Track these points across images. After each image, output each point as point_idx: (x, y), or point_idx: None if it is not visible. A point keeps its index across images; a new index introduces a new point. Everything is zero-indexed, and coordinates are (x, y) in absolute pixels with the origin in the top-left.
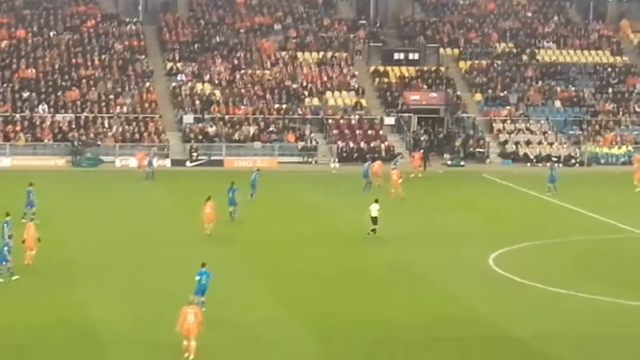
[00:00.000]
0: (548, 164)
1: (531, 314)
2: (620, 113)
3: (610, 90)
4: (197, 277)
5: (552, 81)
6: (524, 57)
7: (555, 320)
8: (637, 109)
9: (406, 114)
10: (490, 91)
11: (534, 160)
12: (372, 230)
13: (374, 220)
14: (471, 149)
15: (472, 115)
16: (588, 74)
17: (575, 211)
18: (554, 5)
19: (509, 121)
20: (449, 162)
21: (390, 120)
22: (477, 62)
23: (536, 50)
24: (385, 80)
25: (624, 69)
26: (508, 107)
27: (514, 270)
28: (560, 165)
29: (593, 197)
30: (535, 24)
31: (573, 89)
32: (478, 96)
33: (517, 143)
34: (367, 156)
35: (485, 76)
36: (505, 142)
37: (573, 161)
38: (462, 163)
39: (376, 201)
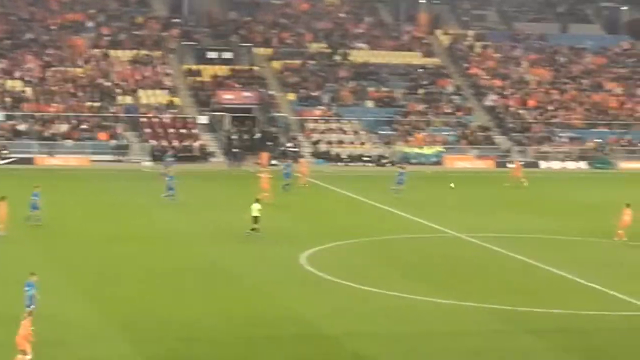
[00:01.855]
0: (397, 167)
1: (342, 312)
2: (431, 114)
3: (421, 91)
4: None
5: (364, 81)
6: (337, 58)
7: (366, 318)
8: (447, 110)
9: (219, 113)
10: (303, 91)
11: (346, 160)
12: (252, 229)
13: (255, 219)
14: (284, 147)
15: (285, 115)
16: (399, 74)
17: (386, 210)
18: (366, 7)
19: (321, 121)
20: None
21: (203, 119)
22: (290, 61)
23: (349, 51)
24: (199, 79)
25: (434, 71)
26: (321, 107)
27: (325, 269)
28: (396, 166)
29: (403, 196)
30: (348, 25)
31: (385, 89)
32: (291, 96)
33: (329, 143)
34: (287, 157)
35: (299, 76)
36: (318, 141)
37: (384, 161)
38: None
39: (257, 201)
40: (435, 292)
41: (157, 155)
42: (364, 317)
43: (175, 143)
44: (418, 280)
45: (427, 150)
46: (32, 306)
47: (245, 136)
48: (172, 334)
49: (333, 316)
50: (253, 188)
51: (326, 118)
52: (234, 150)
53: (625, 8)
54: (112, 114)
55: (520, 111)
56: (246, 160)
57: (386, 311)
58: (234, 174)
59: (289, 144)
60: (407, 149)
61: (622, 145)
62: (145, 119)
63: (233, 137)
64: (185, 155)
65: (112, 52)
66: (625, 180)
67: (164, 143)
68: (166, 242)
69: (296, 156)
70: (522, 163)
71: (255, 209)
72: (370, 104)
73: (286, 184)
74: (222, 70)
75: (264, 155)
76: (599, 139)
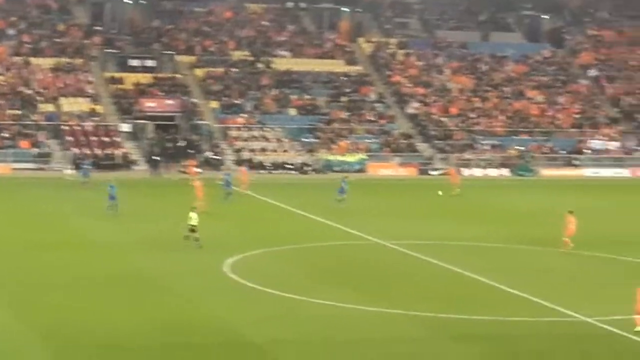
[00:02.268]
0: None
1: (267, 319)
2: (354, 121)
3: (344, 98)
4: None
5: (287, 89)
6: (260, 65)
7: (291, 325)
8: (370, 118)
9: (142, 121)
10: (226, 99)
11: (269, 168)
12: (187, 237)
13: (193, 228)
14: (207, 155)
15: (208, 123)
16: (322, 82)
17: (310, 218)
18: (289, 15)
19: (244, 129)
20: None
21: (126, 127)
22: (213, 69)
23: (271, 59)
24: (121, 86)
25: (357, 78)
26: (244, 115)
27: (249, 277)
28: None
29: (327, 204)
30: (270, 33)
31: (308, 97)
32: (214, 103)
33: (252, 150)
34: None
35: (221, 84)
36: (241, 149)
37: (307, 168)
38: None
39: (193, 209)
40: (361, 299)
41: (78, 164)
42: (289, 324)
43: (98, 151)
44: (344, 287)
45: (350, 158)
46: None
47: (168, 144)
48: (95, 341)
49: (258, 324)
50: (175, 196)
51: (249, 126)
52: (154, 158)
53: (546, 17)
54: (33, 122)
55: (443, 119)
56: (168, 168)
57: (311, 319)
58: (156, 182)
59: (211, 152)
60: (330, 157)
61: (544, 153)
62: (67, 127)
63: (155, 145)
64: (108, 163)
65: (33, 60)
66: (547, 187)
67: (86, 151)
68: (91, 250)
69: (219, 164)
70: (457, 170)
71: (193, 218)
72: (293, 111)
73: (228, 193)
74: (144, 78)
75: (192, 163)
76: (520, 146)
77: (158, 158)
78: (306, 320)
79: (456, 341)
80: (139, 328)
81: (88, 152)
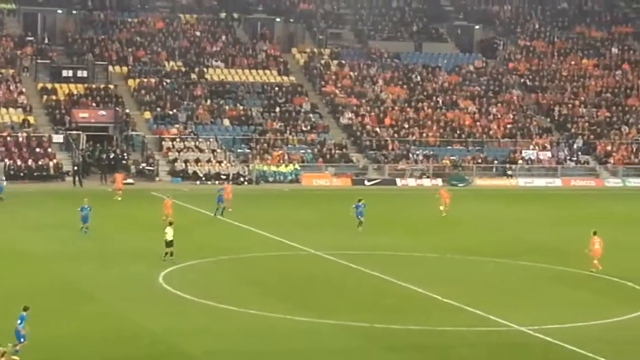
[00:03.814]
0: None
1: (202, 331)
2: (288, 132)
3: (277, 109)
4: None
5: (220, 100)
6: (193, 76)
7: (227, 336)
8: (303, 128)
9: (75, 132)
10: (159, 109)
11: (203, 179)
12: (166, 254)
13: (169, 243)
14: (141, 166)
15: (142, 134)
16: (256, 92)
17: (244, 228)
18: (222, 25)
19: (178, 139)
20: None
21: (58, 138)
22: (146, 80)
23: (205, 69)
24: (54, 97)
25: (291, 89)
26: (177, 126)
27: (185, 288)
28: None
29: (262, 214)
30: (204, 43)
31: (241, 107)
32: (147, 114)
33: (186, 161)
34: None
35: (155, 94)
36: (175, 160)
37: (242, 179)
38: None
39: (170, 224)
40: (293, 310)
41: (12, 175)
42: (225, 335)
43: (30, 162)
44: (276, 298)
45: (284, 169)
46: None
47: (102, 155)
48: (28, 355)
49: (192, 335)
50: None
51: (183, 137)
52: (76, 168)
53: (477, 27)
54: None
55: (376, 129)
56: (102, 179)
57: (245, 330)
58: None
59: (145, 163)
60: (265, 167)
61: (477, 163)
62: None
63: (87, 155)
64: (41, 174)
65: None
66: (481, 197)
67: (19, 162)
68: (22, 263)
69: (153, 175)
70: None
71: (169, 233)
72: (227, 122)
73: (217, 209)
74: (77, 88)
75: (118, 176)
76: (454, 156)
77: (77, 168)
78: (241, 331)
79: (389, 351)
80: (72, 341)
81: (20, 163)
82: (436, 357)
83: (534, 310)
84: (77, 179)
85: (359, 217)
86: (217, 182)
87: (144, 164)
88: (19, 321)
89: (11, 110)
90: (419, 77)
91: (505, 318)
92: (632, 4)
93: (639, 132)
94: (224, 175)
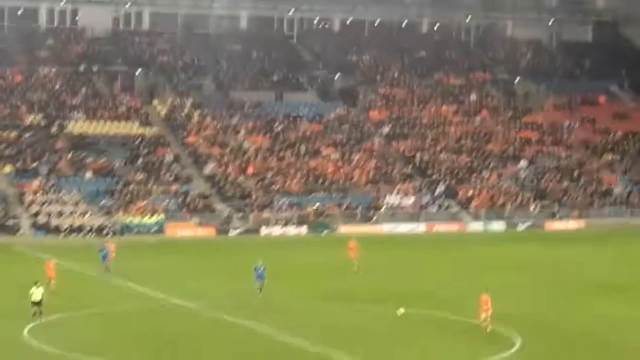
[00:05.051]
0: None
1: None
2: (151, 183)
3: (140, 160)
4: None
5: (83, 152)
6: (54, 129)
7: None
8: (167, 179)
9: None
10: (20, 163)
11: (67, 231)
12: (35, 314)
13: (38, 303)
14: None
15: (2, 188)
16: (119, 144)
17: (107, 281)
18: (81, 78)
19: (40, 193)
20: None
21: None
22: (5, 133)
23: (66, 122)
24: None
25: (153, 140)
26: (39, 179)
27: (50, 342)
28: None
29: (127, 265)
30: (64, 96)
31: (104, 159)
32: (8, 168)
33: (49, 214)
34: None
35: (15, 148)
36: (38, 213)
37: (105, 231)
38: None
39: (36, 284)
40: None
41: None
42: None
43: None
44: (146, 349)
45: (148, 220)
46: None
47: None
48: None
49: None
50: None
51: (45, 190)
52: None
53: (337, 76)
54: None
55: (240, 178)
56: None
57: None
58: None
59: (7, 218)
60: (128, 219)
61: (341, 210)
62: None
63: None
64: None
65: None
66: (345, 243)
67: None
68: None
69: (14, 229)
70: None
71: (37, 293)
72: (89, 174)
73: (105, 268)
74: None
75: None
76: (317, 203)
77: None
78: None
79: None
80: None
81: None
82: None
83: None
84: None
85: (260, 280)
86: (80, 234)
87: (5, 218)
88: None
89: None
90: (280, 126)
91: None
92: (489, 53)
93: (499, 177)
94: (87, 227)
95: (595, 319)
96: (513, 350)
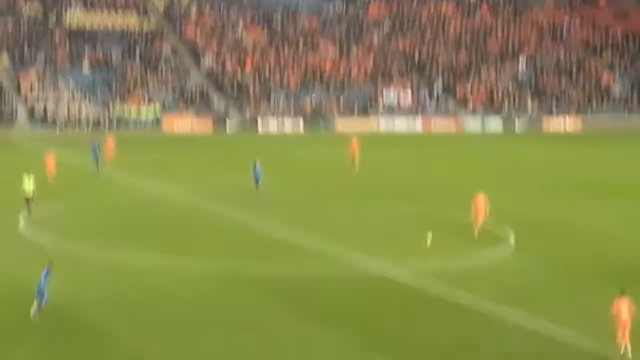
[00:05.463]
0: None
1: (68, 280)
2: (148, 76)
3: (138, 53)
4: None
5: (80, 44)
6: (52, 20)
7: (92, 283)
8: (164, 72)
9: None
10: (18, 54)
11: (63, 123)
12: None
13: (29, 194)
14: None
15: None
16: (116, 37)
17: (103, 175)
18: None
19: (37, 84)
20: None
21: None
22: (3, 24)
23: (64, 13)
24: None
25: (151, 34)
26: (35, 67)
27: (46, 234)
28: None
29: (125, 159)
30: None
31: (101, 51)
32: (5, 57)
33: (45, 105)
34: None
35: (13, 38)
36: (34, 104)
37: (102, 125)
38: None
39: (27, 174)
40: (163, 255)
41: None
42: (89, 284)
43: None
44: (144, 243)
45: (144, 115)
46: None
47: None
48: None
49: (60, 285)
50: None
51: (42, 81)
52: None
53: None
54: None
55: (237, 73)
56: None
57: (113, 277)
58: None
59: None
60: (125, 112)
61: (339, 106)
62: None
63: None
64: None
65: None
66: (342, 139)
67: None
68: None
69: (11, 119)
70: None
71: (27, 182)
72: (86, 66)
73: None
74: None
75: None
76: (315, 99)
77: None
78: (107, 278)
79: (257, 293)
80: None
81: None
82: (304, 302)
83: (397, 250)
84: None
85: (257, 179)
86: (77, 126)
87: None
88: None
89: None
90: (279, 21)
91: (366, 260)
92: None
93: (498, 74)
94: (83, 119)
95: (590, 217)
96: (505, 245)
